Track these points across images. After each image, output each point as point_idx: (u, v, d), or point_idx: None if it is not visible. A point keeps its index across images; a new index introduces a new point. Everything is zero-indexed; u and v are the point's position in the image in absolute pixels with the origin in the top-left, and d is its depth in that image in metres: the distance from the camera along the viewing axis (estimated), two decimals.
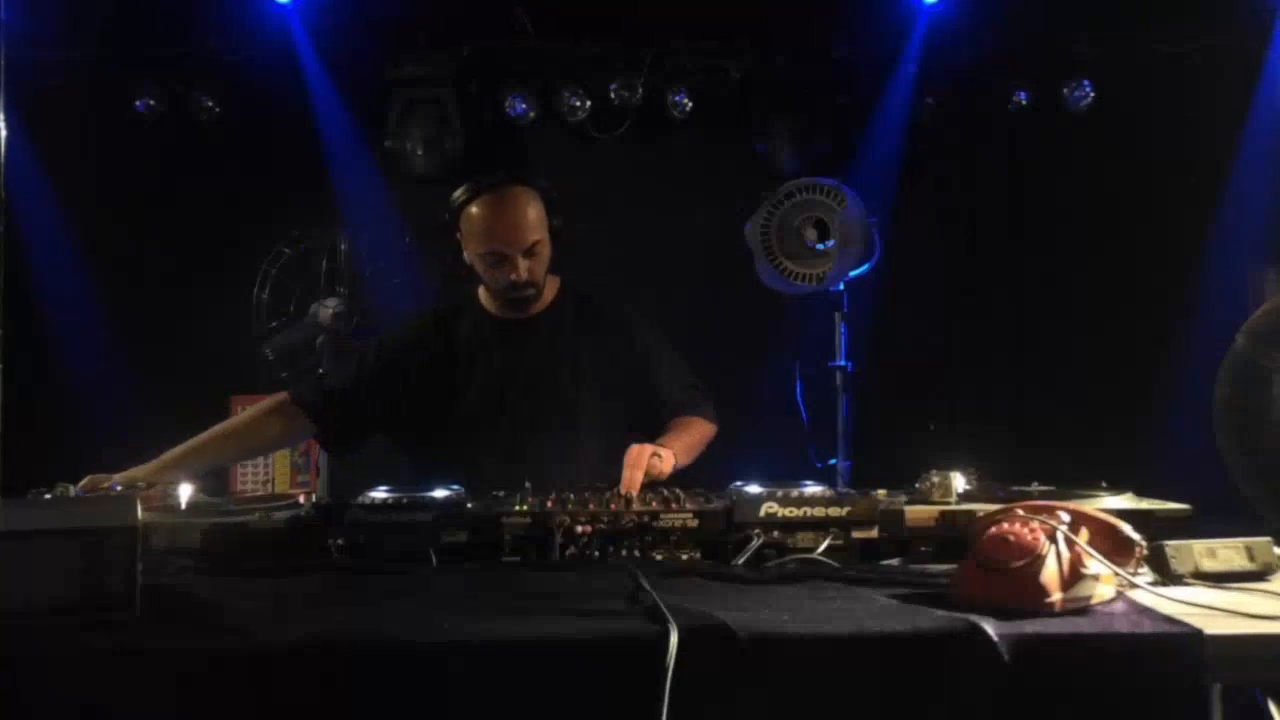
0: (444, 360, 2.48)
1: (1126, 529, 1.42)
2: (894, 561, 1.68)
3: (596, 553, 1.67)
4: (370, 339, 2.57)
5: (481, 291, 2.54)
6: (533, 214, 2.39)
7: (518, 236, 2.37)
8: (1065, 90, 3.82)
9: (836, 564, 1.60)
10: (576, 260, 2.55)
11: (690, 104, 3.88)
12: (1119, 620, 1.28)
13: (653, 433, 2.33)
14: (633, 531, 1.68)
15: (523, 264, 2.38)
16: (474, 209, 2.38)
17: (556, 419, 2.42)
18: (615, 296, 2.63)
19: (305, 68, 3.76)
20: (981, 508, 1.60)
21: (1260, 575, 1.49)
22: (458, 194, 2.41)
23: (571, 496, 1.78)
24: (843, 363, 2.37)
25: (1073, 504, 1.45)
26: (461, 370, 2.46)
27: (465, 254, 2.44)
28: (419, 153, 3.86)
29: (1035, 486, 1.80)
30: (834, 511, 1.68)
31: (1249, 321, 1.81)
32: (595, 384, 2.46)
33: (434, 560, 1.65)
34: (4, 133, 2.45)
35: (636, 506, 1.72)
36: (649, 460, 2.08)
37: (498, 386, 2.45)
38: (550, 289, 2.53)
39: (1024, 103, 3.87)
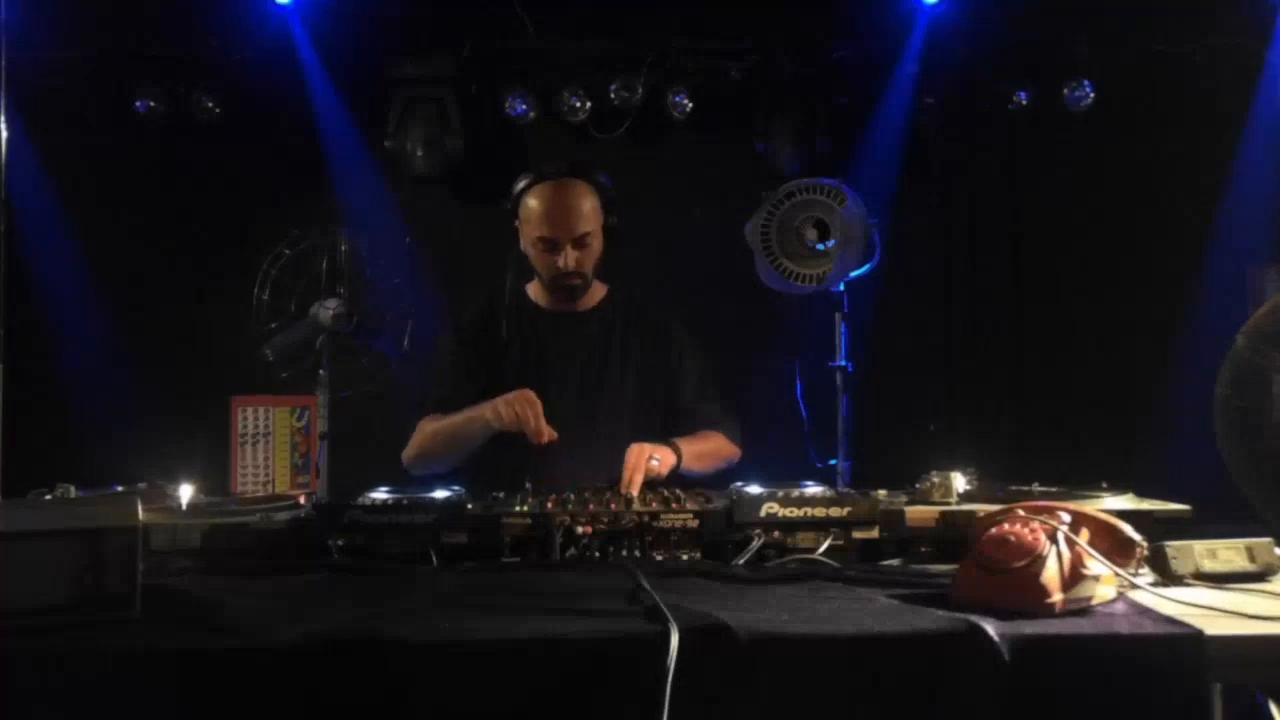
0: (497, 347, 2.53)
1: (1127, 529, 1.42)
2: (894, 562, 1.68)
3: (597, 553, 1.67)
4: (442, 337, 2.60)
5: (532, 286, 2.61)
6: (587, 206, 2.46)
7: (569, 225, 2.43)
8: (1065, 90, 3.81)
9: (837, 564, 1.61)
10: None
11: (690, 104, 3.87)
12: (1120, 621, 1.28)
13: (670, 439, 2.34)
14: (633, 532, 1.68)
15: (571, 254, 2.45)
16: (531, 196, 2.46)
17: (599, 404, 2.48)
18: (662, 305, 2.68)
19: (305, 68, 3.75)
20: (981, 508, 1.60)
21: (1261, 576, 1.50)
22: (519, 182, 2.48)
23: (571, 497, 1.79)
24: (843, 363, 2.36)
25: (1073, 504, 1.45)
26: (511, 357, 2.52)
27: (522, 242, 2.50)
28: (419, 153, 3.85)
29: (1035, 486, 1.80)
30: (834, 512, 1.69)
31: (1249, 321, 1.81)
32: (636, 376, 2.53)
33: (434, 561, 1.65)
34: (4, 133, 2.46)
35: (637, 507, 1.72)
36: (647, 461, 2.09)
37: (543, 372, 2.50)
38: (599, 291, 2.61)
39: (1024, 103, 3.87)
